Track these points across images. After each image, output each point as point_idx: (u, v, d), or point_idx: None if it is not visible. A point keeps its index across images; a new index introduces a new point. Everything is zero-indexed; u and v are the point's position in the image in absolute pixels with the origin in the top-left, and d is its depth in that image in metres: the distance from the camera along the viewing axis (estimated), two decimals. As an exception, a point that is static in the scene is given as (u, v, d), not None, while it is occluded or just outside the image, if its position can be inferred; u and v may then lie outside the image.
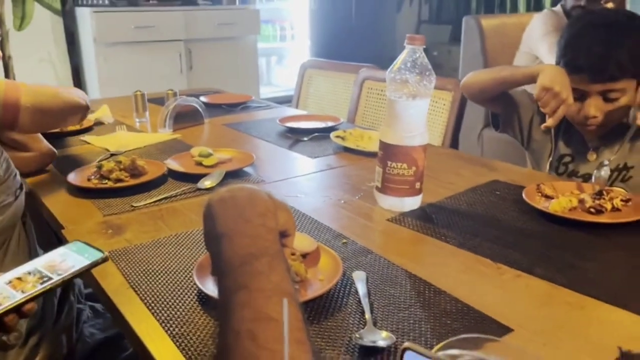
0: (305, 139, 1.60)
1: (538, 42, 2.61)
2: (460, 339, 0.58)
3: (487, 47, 3.07)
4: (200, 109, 1.80)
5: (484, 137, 2.99)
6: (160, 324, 0.70)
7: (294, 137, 1.63)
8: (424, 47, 1.00)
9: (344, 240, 0.93)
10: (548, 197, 1.07)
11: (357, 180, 1.25)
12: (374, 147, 1.36)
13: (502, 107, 1.35)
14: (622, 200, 1.02)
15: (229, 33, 4.02)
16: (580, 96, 1.18)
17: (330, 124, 1.72)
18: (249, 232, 0.52)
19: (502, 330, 0.68)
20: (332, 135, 1.55)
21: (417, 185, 1.05)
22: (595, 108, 1.16)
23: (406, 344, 0.52)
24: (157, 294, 0.77)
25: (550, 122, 1.14)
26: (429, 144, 1.05)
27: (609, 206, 0.99)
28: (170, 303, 0.75)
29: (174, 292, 0.77)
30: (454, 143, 1.89)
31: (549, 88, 1.12)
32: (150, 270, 0.84)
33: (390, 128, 1.03)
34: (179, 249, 0.91)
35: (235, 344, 0.43)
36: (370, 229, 1.01)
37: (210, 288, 0.73)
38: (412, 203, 1.06)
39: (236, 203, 0.56)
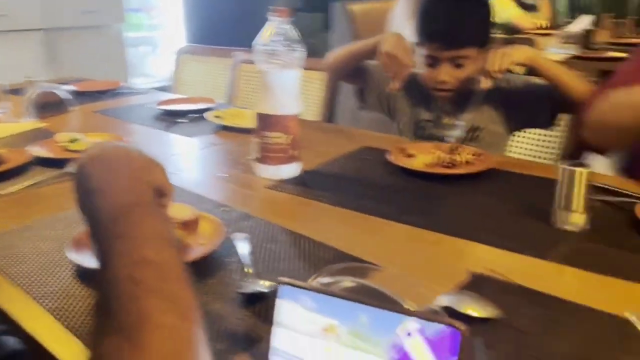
0: (183, 120, 1.59)
1: (403, 26, 2.78)
2: (340, 269, 0.64)
3: (358, 33, 3.22)
4: (64, 96, 1.70)
5: (360, 119, 3.14)
6: (37, 300, 0.68)
7: (171, 119, 1.61)
8: (291, 19, 1.05)
9: (225, 209, 0.96)
10: (410, 157, 1.17)
11: (237, 155, 1.28)
12: (252, 124, 1.39)
13: (363, 81, 1.45)
14: (472, 155, 1.15)
15: (93, 21, 3.79)
16: (433, 63, 1.30)
17: (206, 105, 1.72)
18: (123, 185, 0.53)
19: (373, 273, 0.75)
20: (209, 115, 1.55)
21: (293, 152, 1.10)
22: (445, 74, 1.29)
23: (281, 279, 0.57)
24: (30, 274, 0.74)
25: (395, 84, 1.26)
26: (305, 119, 1.10)
27: (461, 159, 1.12)
28: (44, 281, 0.73)
29: (48, 271, 0.75)
30: (330, 122, 1.98)
31: (390, 53, 1.23)
32: (20, 254, 0.80)
33: (264, 99, 1.07)
34: (50, 232, 0.87)
35: (115, 290, 0.43)
36: (250, 197, 1.05)
37: (87, 261, 0.72)
38: (289, 170, 1.11)
39: (108, 159, 0.56)
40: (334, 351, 0.53)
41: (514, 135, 1.44)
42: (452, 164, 1.11)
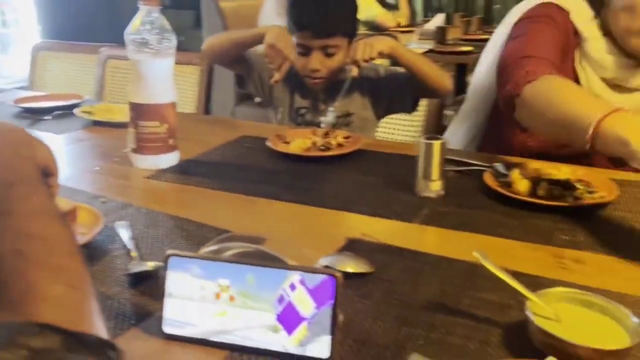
0: (47, 117, 1.50)
1: (273, 22, 2.83)
2: (226, 237, 0.67)
3: (229, 28, 3.23)
4: None
5: (237, 114, 3.15)
6: None
7: (34, 117, 1.51)
8: (160, 7, 1.05)
9: (103, 200, 0.94)
10: (288, 143, 1.22)
11: (111, 148, 1.24)
12: (125, 118, 1.36)
13: (243, 68, 1.48)
14: (343, 137, 1.23)
15: None
16: (305, 51, 1.37)
17: (73, 101, 1.63)
18: (5, 162, 0.50)
19: (259, 243, 0.79)
20: (78, 111, 1.49)
21: (171, 141, 1.10)
22: (317, 62, 1.36)
23: (169, 251, 0.59)
24: None
25: (277, 76, 1.31)
26: (182, 112, 1.10)
27: (334, 142, 1.20)
28: None
29: None
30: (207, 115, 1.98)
31: (274, 46, 1.29)
32: None
33: (138, 88, 1.06)
34: None
35: (1, 265, 0.41)
36: (129, 187, 1.04)
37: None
38: (168, 159, 1.11)
39: None
40: (228, 313, 0.57)
41: (380, 120, 1.55)
42: (327, 147, 1.19)
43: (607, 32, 1.11)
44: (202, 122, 1.56)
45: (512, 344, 0.57)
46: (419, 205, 0.93)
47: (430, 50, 2.98)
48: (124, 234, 0.80)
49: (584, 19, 1.12)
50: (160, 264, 0.70)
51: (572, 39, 1.12)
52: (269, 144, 1.20)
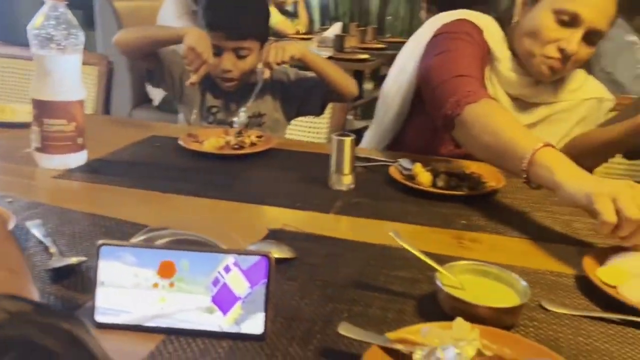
0: None
1: (173, 24, 2.79)
2: (156, 227, 0.68)
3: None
4: None
5: (134, 117, 3.05)
6: None
7: None
8: (67, 2, 1.02)
9: (10, 199, 0.90)
10: (201, 142, 1.23)
11: (10, 149, 1.17)
12: (21, 118, 1.29)
13: (155, 63, 1.46)
14: (257, 137, 1.27)
15: None
16: (218, 52, 1.39)
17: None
18: None
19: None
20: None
21: (80, 140, 1.07)
22: (229, 62, 1.39)
23: (101, 241, 0.59)
24: None
25: (194, 78, 1.32)
26: (85, 113, 1.08)
27: (248, 141, 1.23)
28: None
29: None
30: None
31: (194, 48, 1.29)
32: None
33: (44, 84, 1.02)
34: None
35: None
36: (36, 187, 0.99)
37: None
38: (77, 159, 1.07)
39: None
40: (164, 299, 0.58)
41: (290, 121, 1.60)
42: (241, 146, 1.21)
43: (513, 52, 1.20)
44: (106, 122, 1.52)
45: (424, 312, 0.64)
46: (333, 197, 0.99)
47: (330, 57, 3.09)
48: (38, 231, 0.77)
49: (495, 38, 1.21)
50: (83, 258, 0.70)
51: (486, 56, 1.20)
52: (181, 142, 1.21)
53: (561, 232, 0.89)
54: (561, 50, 1.09)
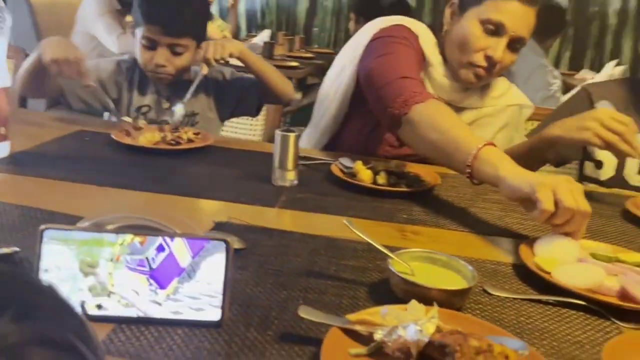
0: None
1: (94, 23, 2.67)
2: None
3: (40, 26, 2.96)
4: None
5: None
6: None
7: None
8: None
9: None
10: (134, 138, 1.19)
11: None
12: None
13: (56, 89, 1.34)
14: (193, 133, 1.24)
15: None
16: (152, 46, 1.34)
17: None
18: None
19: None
20: None
21: (2, 130, 0.99)
22: (162, 58, 1.34)
23: (43, 226, 0.55)
24: None
25: (84, 80, 1.20)
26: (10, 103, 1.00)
27: (185, 137, 1.20)
28: None
29: None
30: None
31: (56, 59, 1.15)
32: None
33: (-38, 68, 0.94)
34: None
35: None
36: (-49, 178, 0.91)
37: None
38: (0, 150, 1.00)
39: None
40: (112, 284, 0.55)
41: (224, 122, 1.58)
42: (177, 142, 1.18)
43: (444, 58, 1.25)
44: (27, 115, 1.42)
45: (377, 298, 0.66)
46: (277, 192, 0.98)
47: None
48: (-40, 223, 0.71)
49: (429, 44, 1.25)
50: (17, 248, 0.65)
51: (421, 61, 1.24)
52: (114, 137, 1.15)
53: (495, 226, 0.94)
54: (488, 58, 1.16)
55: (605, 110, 1.08)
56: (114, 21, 2.64)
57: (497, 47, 1.15)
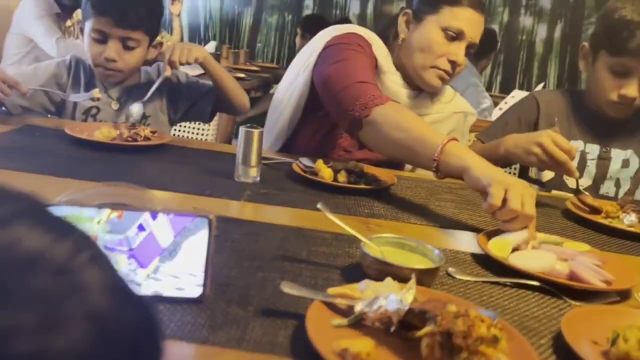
0: None
1: (32, 25, 2.58)
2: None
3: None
4: None
5: None
6: None
7: None
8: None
9: None
10: (90, 134, 1.16)
11: None
12: None
13: None
14: (150, 131, 1.22)
15: None
16: (102, 39, 1.30)
17: None
18: None
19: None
20: None
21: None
22: (114, 51, 1.31)
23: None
24: None
25: (23, 88, 1.17)
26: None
27: (142, 134, 1.18)
28: None
29: None
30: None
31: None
32: None
33: None
34: None
35: None
36: None
37: None
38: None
39: None
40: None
41: (174, 125, 1.56)
42: (134, 139, 1.16)
43: (398, 67, 1.30)
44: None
45: (350, 279, 0.67)
46: (241, 188, 0.99)
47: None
48: None
49: (381, 52, 1.30)
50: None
51: (375, 68, 1.29)
52: (68, 132, 1.12)
53: (451, 220, 0.99)
54: (451, 62, 1.23)
55: (549, 136, 1.13)
56: (54, 24, 2.56)
57: (459, 52, 1.23)
